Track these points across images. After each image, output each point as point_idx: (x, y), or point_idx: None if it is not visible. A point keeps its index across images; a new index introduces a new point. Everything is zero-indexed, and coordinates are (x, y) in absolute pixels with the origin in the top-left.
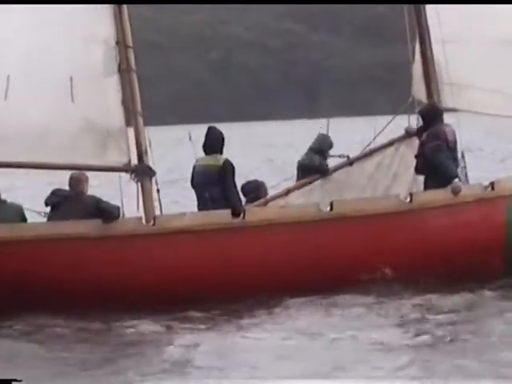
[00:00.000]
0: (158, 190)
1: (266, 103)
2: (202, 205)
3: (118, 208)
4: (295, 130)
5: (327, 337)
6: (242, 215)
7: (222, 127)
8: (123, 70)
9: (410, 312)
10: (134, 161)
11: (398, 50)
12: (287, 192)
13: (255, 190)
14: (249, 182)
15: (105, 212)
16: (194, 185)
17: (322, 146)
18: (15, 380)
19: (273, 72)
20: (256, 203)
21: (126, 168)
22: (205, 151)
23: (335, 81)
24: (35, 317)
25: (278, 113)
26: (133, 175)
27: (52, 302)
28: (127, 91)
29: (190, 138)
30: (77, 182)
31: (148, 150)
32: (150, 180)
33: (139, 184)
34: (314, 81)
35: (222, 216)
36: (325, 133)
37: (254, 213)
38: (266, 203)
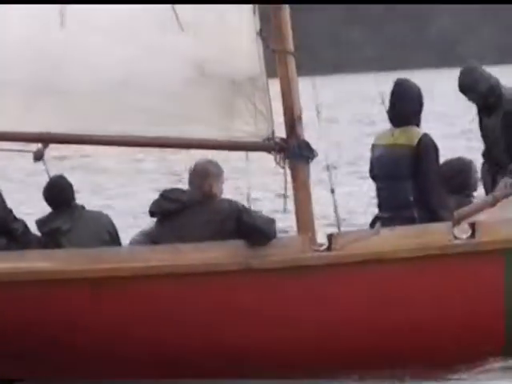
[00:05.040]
0: (332, 190)
1: None
2: (390, 210)
3: (272, 222)
4: None
5: None
6: (470, 232)
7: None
8: None
9: None
10: (281, 133)
11: None
12: None
13: (464, 177)
14: (449, 163)
15: (253, 230)
16: (375, 177)
17: None
18: (15, 380)
19: None
20: (477, 204)
21: (268, 145)
22: (392, 121)
23: None
24: None
25: None
26: (279, 157)
27: (162, 369)
28: (271, 15)
29: (383, 102)
30: (203, 177)
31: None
32: (308, 166)
33: (290, 173)
34: None
35: (440, 232)
36: None
37: (490, 229)
38: (493, 203)
